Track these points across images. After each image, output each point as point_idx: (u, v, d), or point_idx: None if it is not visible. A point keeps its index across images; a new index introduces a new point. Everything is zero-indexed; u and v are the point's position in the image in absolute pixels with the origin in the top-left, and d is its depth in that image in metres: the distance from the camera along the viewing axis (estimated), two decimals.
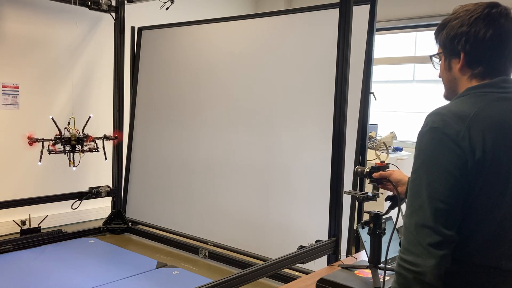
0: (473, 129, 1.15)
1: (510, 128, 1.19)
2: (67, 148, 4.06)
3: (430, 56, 1.39)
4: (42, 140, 3.96)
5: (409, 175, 1.31)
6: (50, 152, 3.96)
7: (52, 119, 3.93)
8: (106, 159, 4.37)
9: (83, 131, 4.18)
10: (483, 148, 1.14)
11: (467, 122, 1.16)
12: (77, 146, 4.11)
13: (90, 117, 4.25)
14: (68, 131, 4.05)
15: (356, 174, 1.95)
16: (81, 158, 4.20)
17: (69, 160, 4.12)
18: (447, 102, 1.30)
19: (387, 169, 1.82)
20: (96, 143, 4.26)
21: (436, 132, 1.16)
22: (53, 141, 4.00)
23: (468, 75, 1.27)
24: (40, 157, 3.94)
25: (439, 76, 1.38)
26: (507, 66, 1.27)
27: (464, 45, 1.25)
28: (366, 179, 1.90)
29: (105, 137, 4.38)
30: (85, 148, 4.15)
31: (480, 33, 1.22)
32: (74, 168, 4.20)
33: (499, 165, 1.16)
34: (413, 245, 1.15)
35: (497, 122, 1.18)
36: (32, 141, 3.94)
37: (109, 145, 4.98)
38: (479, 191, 1.16)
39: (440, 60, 1.36)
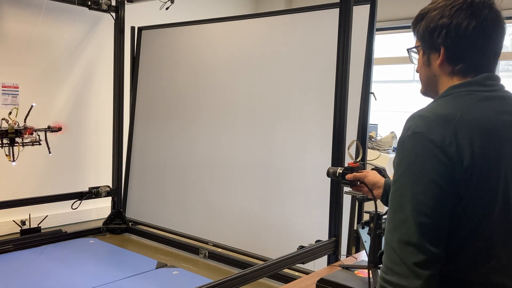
0: (460, 133, 1.05)
1: (498, 130, 1.10)
2: (5, 141, 3.77)
3: (408, 50, 1.28)
4: None
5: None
6: None
7: None
8: (50, 152, 4.14)
9: (24, 122, 3.90)
10: (472, 154, 1.04)
11: (453, 126, 1.05)
12: (16, 139, 3.83)
13: (32, 106, 3.98)
14: (7, 123, 3.78)
15: (328, 175, 1.84)
16: (19, 153, 3.89)
17: (6, 155, 3.83)
18: (430, 101, 1.21)
19: (361, 170, 1.74)
20: (39, 135, 4.00)
21: (419, 138, 1.06)
22: None
23: (449, 72, 1.17)
24: None
25: (417, 71, 1.26)
26: (491, 61, 1.17)
27: (445, 38, 1.14)
28: (339, 180, 1.81)
29: (48, 129, 4.14)
30: (26, 140, 3.88)
31: (462, 26, 1.12)
32: (14, 163, 3.92)
33: (489, 173, 1.07)
34: (397, 265, 1.04)
35: (484, 124, 1.08)
36: None
37: (108, 144, 4.99)
38: (468, 202, 1.06)
39: (418, 54, 1.25)
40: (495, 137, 1.09)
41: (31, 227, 4.37)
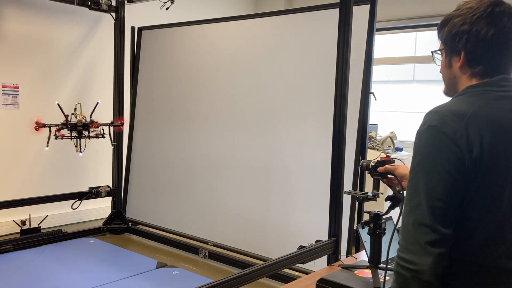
0: (470, 127, 1.14)
1: (508, 126, 1.18)
2: (74, 133, 4.07)
3: (432, 52, 1.37)
4: (50, 126, 3.95)
5: None
6: (56, 137, 3.96)
7: (58, 104, 3.90)
8: (112, 145, 4.35)
9: (90, 117, 4.18)
10: (481, 147, 1.13)
11: (465, 121, 1.15)
12: (83, 132, 4.10)
13: (97, 103, 4.27)
14: (76, 117, 4.04)
15: (361, 167, 1.95)
16: (86, 144, 4.17)
17: (75, 146, 4.12)
18: (447, 100, 1.29)
19: (392, 164, 1.81)
20: (103, 129, 4.24)
21: (434, 131, 1.16)
22: (59, 127, 3.98)
23: (468, 74, 1.26)
24: (47, 142, 3.94)
25: (440, 72, 1.37)
26: (508, 65, 1.25)
27: (465, 43, 1.23)
28: (371, 172, 1.90)
29: (111, 124, 4.38)
30: (91, 134, 4.15)
31: (481, 32, 1.21)
32: (80, 154, 4.20)
33: (497, 164, 1.15)
34: (411, 244, 1.15)
35: (495, 120, 1.17)
36: (39, 126, 3.95)
37: (108, 144, 4.98)
38: (477, 190, 1.15)
39: (441, 56, 1.34)
40: (505, 132, 1.17)
41: (31, 227, 4.37)
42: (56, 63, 4.96)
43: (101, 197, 4.84)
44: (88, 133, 4.11)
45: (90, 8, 4.75)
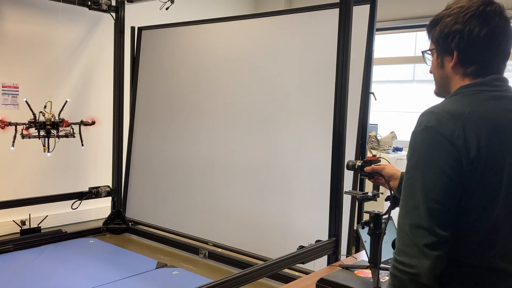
0: (467, 128, 1.14)
1: (503, 126, 1.18)
2: (42, 133, 3.90)
3: (422, 52, 1.37)
4: (15, 124, 3.81)
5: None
6: (23, 136, 3.80)
7: (26, 101, 3.76)
8: (82, 145, 4.23)
9: (59, 116, 4.02)
10: (478, 147, 1.13)
11: (462, 121, 1.14)
12: (52, 131, 3.94)
13: (66, 101, 4.16)
14: (44, 116, 3.88)
15: (347, 167, 1.94)
16: (56, 144, 4.02)
17: (43, 146, 3.96)
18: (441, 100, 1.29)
19: (379, 163, 1.81)
20: (73, 129, 4.09)
21: (430, 131, 1.15)
22: (27, 125, 3.82)
23: (461, 74, 1.26)
24: (13, 142, 3.81)
25: (430, 72, 1.36)
26: (500, 64, 1.25)
27: (458, 43, 1.23)
28: (357, 172, 1.89)
29: (81, 123, 4.23)
30: (60, 133, 3.99)
31: (474, 32, 1.20)
32: (49, 154, 4.06)
33: (493, 164, 1.15)
34: (408, 246, 1.13)
35: (490, 121, 1.17)
36: (4, 124, 3.82)
37: (108, 144, 5.00)
38: (474, 191, 1.15)
39: (432, 56, 1.33)
40: (501, 133, 1.17)
41: (31, 227, 4.37)
42: (56, 63, 4.96)
43: (101, 197, 4.84)
44: (57, 132, 3.94)
45: (90, 8, 4.75)
